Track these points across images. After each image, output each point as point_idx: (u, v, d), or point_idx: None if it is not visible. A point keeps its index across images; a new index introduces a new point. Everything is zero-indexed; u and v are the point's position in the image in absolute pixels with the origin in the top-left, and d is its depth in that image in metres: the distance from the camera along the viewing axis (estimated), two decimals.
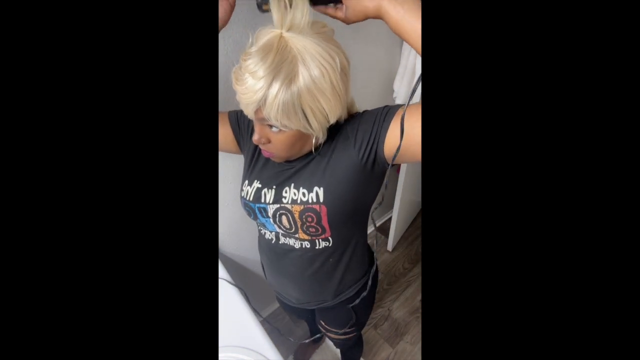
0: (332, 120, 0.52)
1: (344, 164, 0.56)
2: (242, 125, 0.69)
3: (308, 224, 0.60)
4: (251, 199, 0.65)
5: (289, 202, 0.60)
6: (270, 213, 0.63)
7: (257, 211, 0.65)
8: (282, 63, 0.45)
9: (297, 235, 0.64)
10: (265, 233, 0.70)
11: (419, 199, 1.93)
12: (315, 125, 0.50)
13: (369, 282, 0.76)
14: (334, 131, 0.58)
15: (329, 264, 0.69)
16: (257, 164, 0.67)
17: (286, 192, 0.60)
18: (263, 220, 0.65)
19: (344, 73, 0.50)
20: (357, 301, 0.76)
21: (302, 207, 0.58)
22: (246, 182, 0.68)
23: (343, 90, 0.50)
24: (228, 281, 0.86)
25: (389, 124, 0.51)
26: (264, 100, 0.46)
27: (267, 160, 0.66)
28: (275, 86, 0.45)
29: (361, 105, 0.63)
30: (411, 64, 1.27)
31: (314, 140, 0.56)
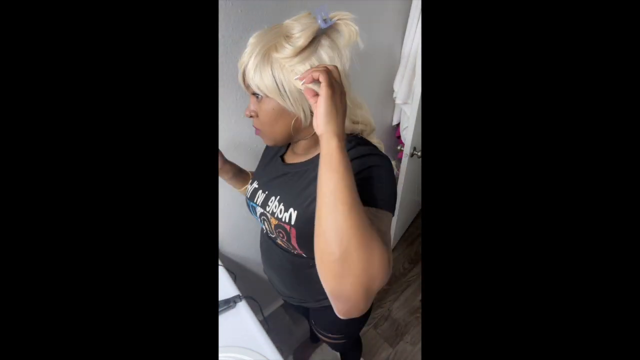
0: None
1: None
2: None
3: (280, 237, 0.64)
4: (249, 196, 0.72)
5: (270, 212, 0.64)
6: (257, 214, 0.69)
7: (251, 207, 0.72)
8: (268, 32, 0.51)
9: (277, 241, 0.69)
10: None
11: (419, 198, 1.93)
12: (291, 94, 0.50)
13: None
14: None
15: (308, 269, 0.69)
16: (261, 164, 0.73)
17: (271, 201, 0.65)
18: (255, 217, 0.71)
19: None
20: None
21: (277, 222, 0.63)
22: (251, 180, 0.75)
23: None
24: (224, 267, 0.86)
25: None
26: (247, 63, 0.50)
27: (269, 161, 0.71)
28: (256, 50, 0.50)
29: None
30: (411, 64, 1.27)
31: (293, 121, 0.55)
